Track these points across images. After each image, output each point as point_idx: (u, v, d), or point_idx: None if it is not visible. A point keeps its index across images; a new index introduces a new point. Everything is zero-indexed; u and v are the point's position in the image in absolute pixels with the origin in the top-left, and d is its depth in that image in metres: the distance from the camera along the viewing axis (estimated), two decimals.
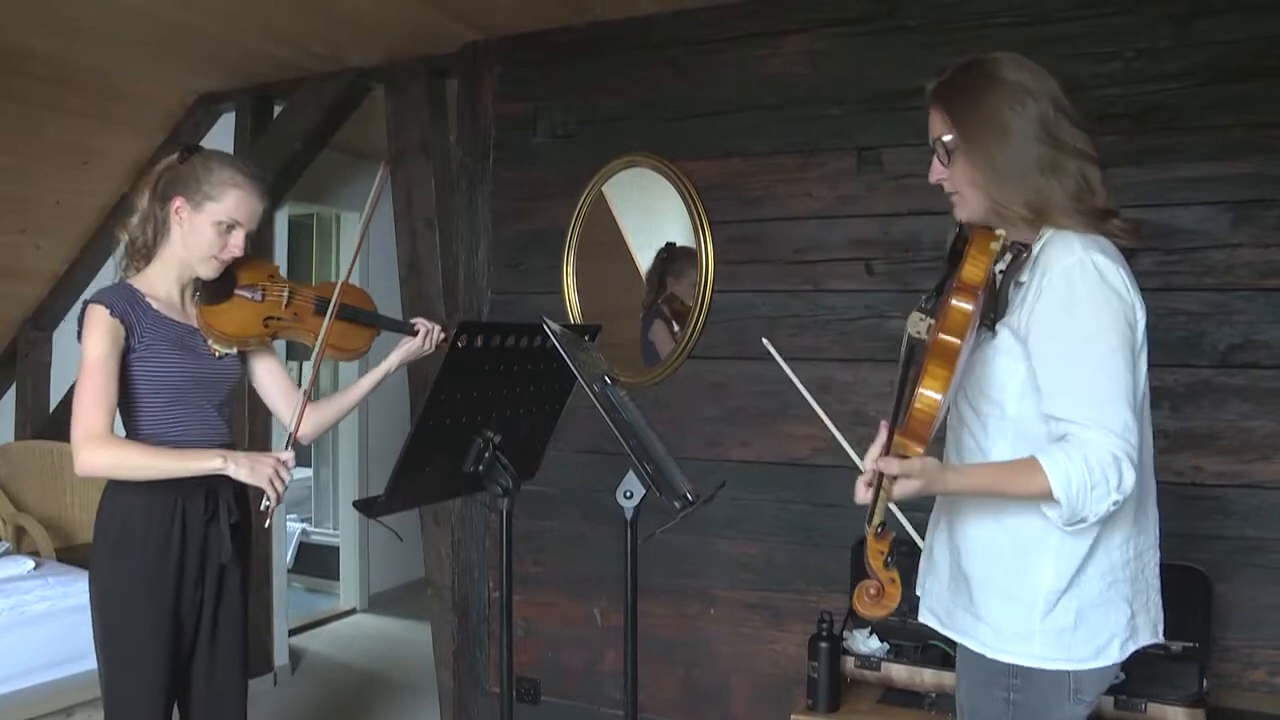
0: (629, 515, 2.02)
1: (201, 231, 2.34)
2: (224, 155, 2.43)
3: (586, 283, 3.60)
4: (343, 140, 4.58)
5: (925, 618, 1.88)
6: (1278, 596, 2.69)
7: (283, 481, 2.23)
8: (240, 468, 2.22)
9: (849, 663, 2.78)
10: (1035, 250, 1.67)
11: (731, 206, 3.35)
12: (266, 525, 2.25)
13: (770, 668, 3.31)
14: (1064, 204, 1.64)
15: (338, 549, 6.08)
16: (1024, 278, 1.68)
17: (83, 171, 4.38)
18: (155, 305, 2.36)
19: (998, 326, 1.70)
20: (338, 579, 6.04)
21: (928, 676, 2.69)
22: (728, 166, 3.36)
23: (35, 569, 3.42)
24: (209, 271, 2.40)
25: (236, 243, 2.37)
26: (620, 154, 3.50)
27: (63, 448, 4.65)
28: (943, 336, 1.53)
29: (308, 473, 6.77)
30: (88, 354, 2.24)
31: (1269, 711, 2.57)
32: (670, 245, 3.46)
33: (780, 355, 3.27)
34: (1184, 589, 2.43)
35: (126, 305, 2.31)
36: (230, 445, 2.50)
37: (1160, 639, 1.75)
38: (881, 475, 1.52)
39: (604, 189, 3.54)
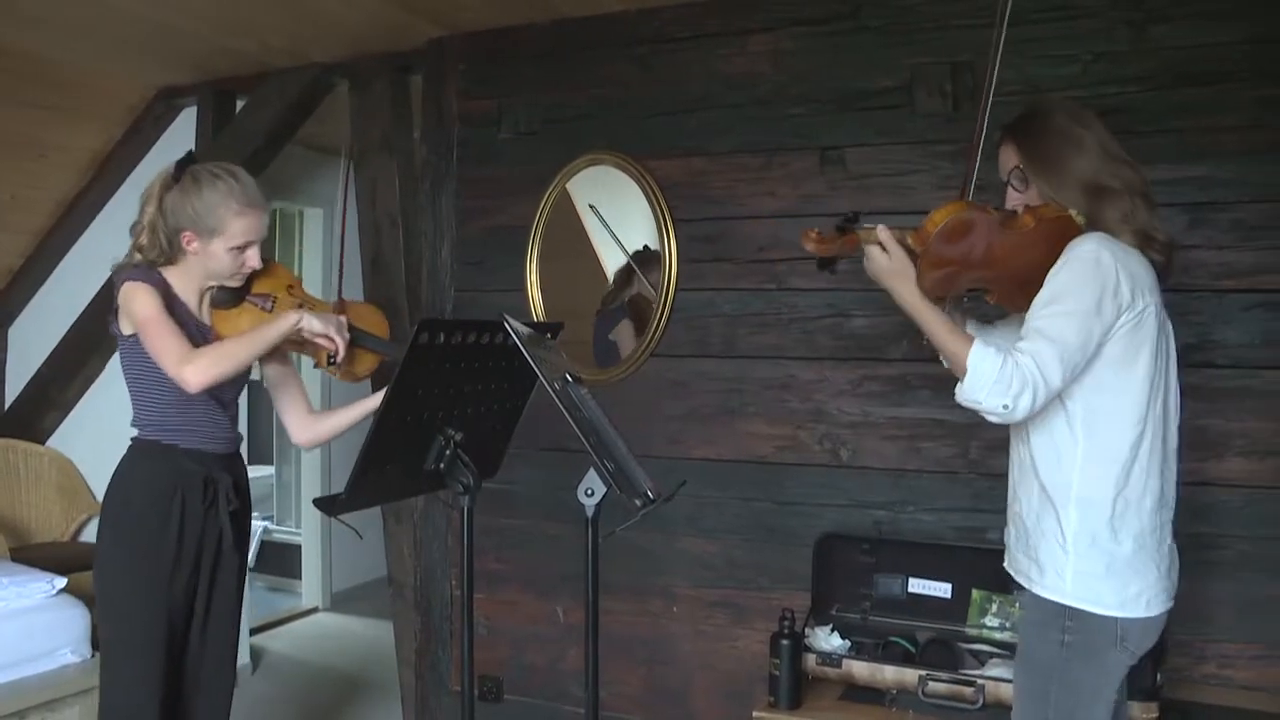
0: (590, 513, 2.03)
1: (217, 257, 2.41)
2: (216, 178, 2.40)
3: (550, 281, 3.59)
4: (306, 136, 4.54)
5: (1007, 565, 2.13)
6: (1227, 592, 2.75)
7: (344, 336, 2.43)
8: (313, 319, 2.38)
9: (810, 660, 2.79)
10: (1066, 248, 1.93)
11: (695, 205, 3.35)
12: (336, 373, 2.47)
13: (732, 665, 3.32)
14: (1114, 224, 1.94)
15: (299, 547, 6.04)
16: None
17: (39, 165, 4.32)
18: (179, 296, 2.44)
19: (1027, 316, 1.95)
20: (299, 578, 6.01)
21: (889, 674, 2.71)
22: (691, 165, 3.37)
23: None
24: (232, 283, 2.49)
25: (253, 257, 2.45)
26: (584, 152, 3.50)
27: (18, 445, 4.60)
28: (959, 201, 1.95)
29: (269, 470, 6.71)
30: (143, 313, 2.30)
31: (1220, 704, 2.63)
32: (646, 247, 3.45)
33: (744, 353, 3.31)
34: None
35: (162, 287, 2.38)
36: (238, 448, 2.61)
37: (1172, 601, 1.98)
38: (845, 229, 1.92)
39: (568, 187, 3.54)
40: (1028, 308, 1.96)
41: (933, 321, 1.91)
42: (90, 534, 4.56)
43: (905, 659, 2.75)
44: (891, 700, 2.72)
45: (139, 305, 2.30)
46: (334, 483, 5.83)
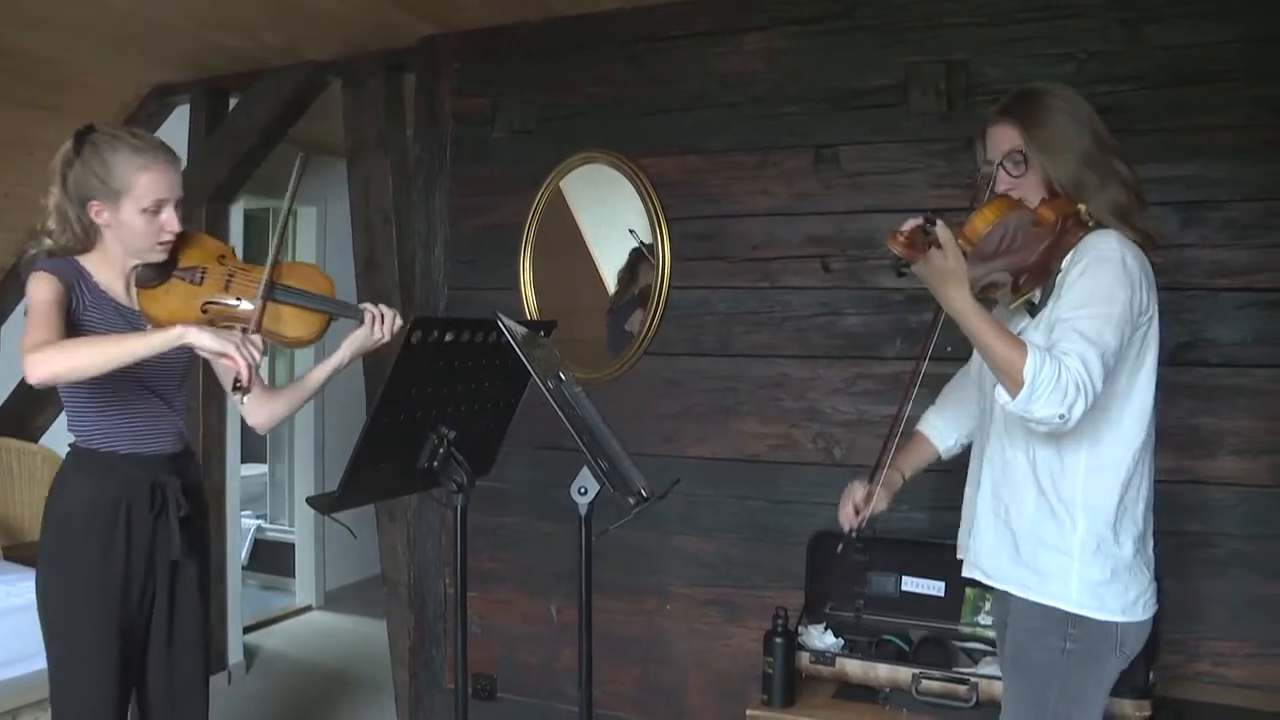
0: (584, 511, 2.02)
1: (130, 224, 2.22)
2: (117, 137, 2.22)
3: (543, 279, 3.59)
4: (299, 134, 4.53)
5: (969, 572, 2.09)
6: (1220, 590, 2.75)
7: (254, 360, 2.01)
8: (202, 333, 1.99)
9: (804, 658, 2.80)
10: (1078, 243, 1.88)
11: (689, 203, 3.35)
12: (242, 401, 2.12)
13: (726, 663, 3.33)
14: (1108, 217, 1.89)
15: (293, 546, 6.03)
16: (1064, 264, 1.89)
17: (32, 163, 4.29)
18: (100, 284, 2.27)
19: (1038, 315, 1.92)
20: (293, 576, 5.99)
21: (882, 672, 2.71)
22: (685, 163, 3.36)
23: None
24: (155, 257, 2.28)
25: (170, 219, 2.24)
26: (578, 150, 3.50)
27: (10, 444, 4.58)
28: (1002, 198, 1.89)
29: (263, 469, 6.70)
30: (34, 298, 2.11)
31: (1213, 701, 2.63)
32: (643, 244, 3.45)
33: (738, 351, 3.31)
34: None
35: (73, 277, 2.21)
36: (185, 441, 2.44)
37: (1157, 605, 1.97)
38: (929, 231, 1.74)
39: (562, 185, 3.53)
40: (1015, 302, 1.94)
41: (986, 324, 1.76)
42: None
43: (899, 657, 2.76)
44: (885, 698, 2.72)
45: (32, 291, 2.13)
46: (327, 481, 5.83)
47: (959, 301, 1.76)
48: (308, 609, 5.87)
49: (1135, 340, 1.86)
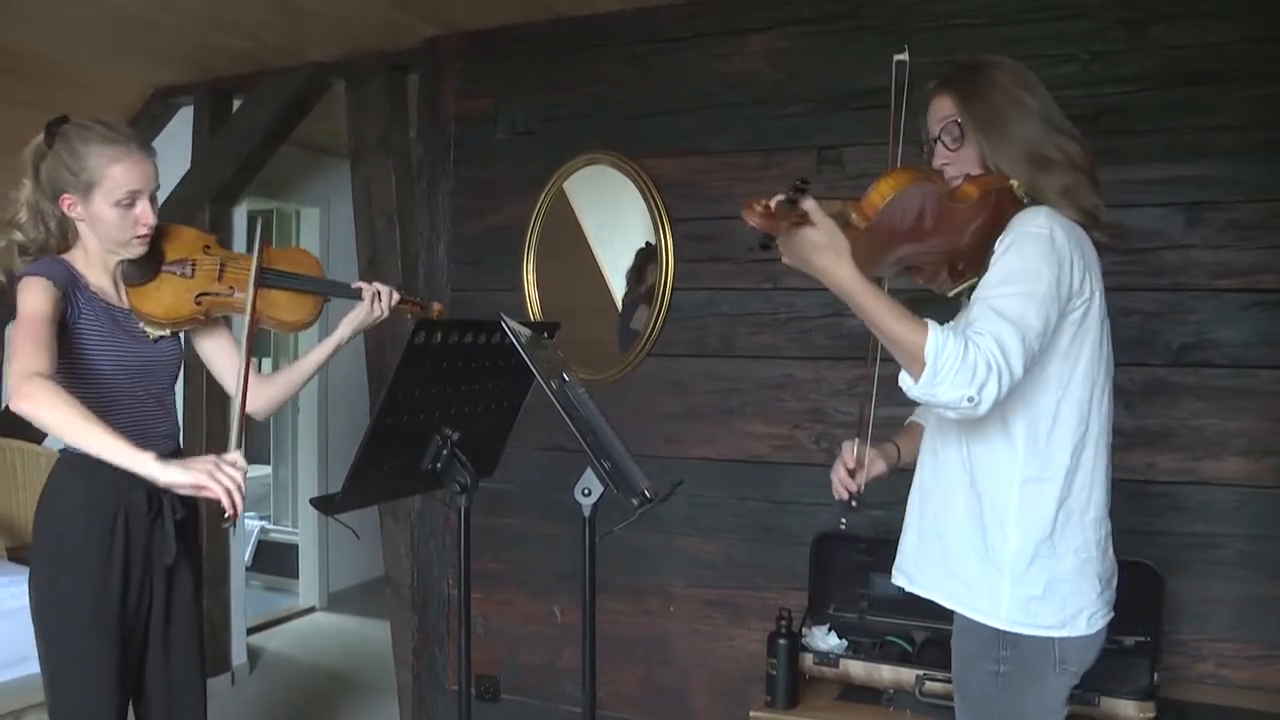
0: (587, 513, 2.02)
1: (103, 218, 2.16)
2: (87, 129, 2.16)
3: (546, 280, 3.59)
4: (302, 135, 4.54)
5: (896, 579, 1.96)
6: (1226, 591, 2.74)
7: (235, 484, 1.90)
8: (177, 472, 1.89)
9: (807, 660, 2.79)
10: (1011, 221, 1.75)
11: (692, 204, 3.35)
12: (230, 530, 2.03)
13: (729, 665, 3.32)
14: (1054, 197, 1.76)
15: (297, 547, 6.03)
16: (996, 246, 1.75)
17: None
18: (91, 286, 2.23)
19: (973, 297, 1.76)
20: (297, 577, 6.00)
21: (885, 673, 2.71)
22: (688, 164, 3.36)
23: None
24: (134, 251, 2.23)
25: (145, 212, 2.18)
26: (581, 151, 3.50)
27: (14, 445, 4.58)
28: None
29: (266, 470, 6.71)
30: (25, 308, 2.03)
31: (1217, 703, 2.63)
32: (648, 244, 3.45)
33: (742, 352, 3.30)
34: (1136, 584, 2.45)
35: (68, 282, 2.16)
36: (178, 443, 2.42)
37: (1112, 613, 1.82)
38: (795, 201, 1.55)
39: (565, 186, 3.53)
40: (955, 289, 1.82)
41: (876, 302, 1.60)
42: None
43: (902, 658, 2.75)
44: (888, 700, 2.72)
45: (27, 299, 2.05)
46: (331, 482, 5.83)
47: (839, 276, 1.60)
48: (311, 610, 5.88)
49: (1068, 325, 1.71)
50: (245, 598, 4.84)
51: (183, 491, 1.96)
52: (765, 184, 3.25)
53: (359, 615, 5.71)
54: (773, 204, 1.52)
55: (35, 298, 2.06)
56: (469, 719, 2.14)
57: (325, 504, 2.02)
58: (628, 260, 3.50)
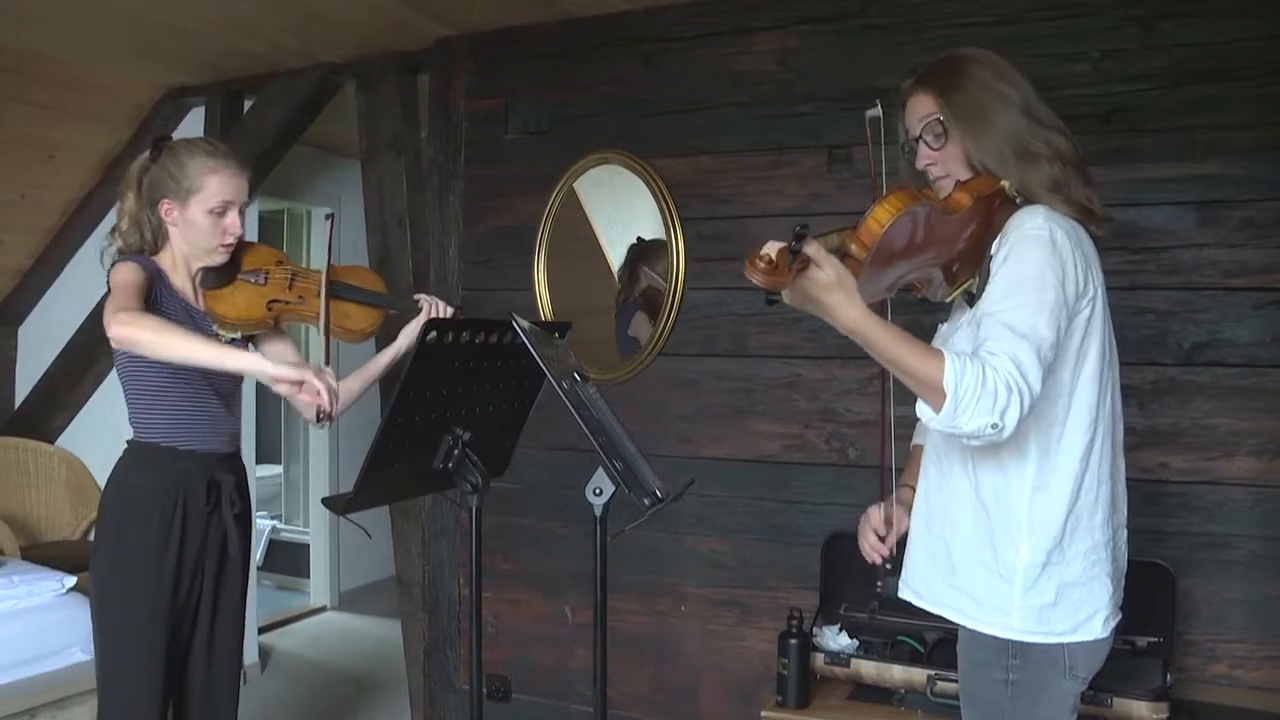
0: (598, 512, 2.02)
1: (196, 224, 2.36)
2: (192, 143, 2.42)
3: (557, 280, 3.59)
4: (314, 136, 4.55)
5: (904, 593, 1.92)
6: (1239, 591, 2.73)
7: (331, 386, 2.10)
8: (286, 369, 2.10)
9: (818, 659, 2.79)
10: (1007, 224, 1.71)
11: (702, 204, 3.35)
12: (325, 428, 2.26)
13: (740, 664, 3.32)
14: (1044, 193, 1.71)
15: (308, 546, 6.05)
16: (994, 250, 1.71)
17: (49, 165, 4.33)
18: (173, 284, 2.42)
19: (975, 305, 1.74)
20: (308, 576, 6.01)
21: (896, 673, 2.71)
22: (698, 164, 3.36)
23: None
24: (217, 259, 2.43)
25: (233, 223, 2.39)
26: (591, 151, 3.50)
27: (28, 444, 4.61)
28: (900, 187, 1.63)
29: (278, 469, 6.73)
30: (118, 280, 2.24)
31: (1230, 704, 2.61)
32: (639, 239, 3.46)
33: (752, 352, 3.30)
34: (1149, 585, 2.45)
35: (154, 272, 2.36)
36: (239, 442, 2.56)
37: (1120, 616, 1.79)
38: (796, 250, 1.48)
39: (575, 186, 3.53)
40: (951, 294, 1.78)
41: (887, 335, 1.56)
42: None
43: (913, 658, 2.75)
44: (900, 700, 2.72)
45: (116, 276, 2.27)
46: (342, 481, 5.85)
47: (848, 315, 1.55)
48: (322, 609, 5.89)
49: (1076, 328, 1.67)
50: (256, 597, 4.84)
51: (281, 388, 2.13)
52: (776, 184, 3.25)
53: (370, 615, 5.73)
54: (774, 254, 1.46)
55: (127, 272, 2.28)
56: (480, 718, 2.14)
57: (336, 503, 2.03)
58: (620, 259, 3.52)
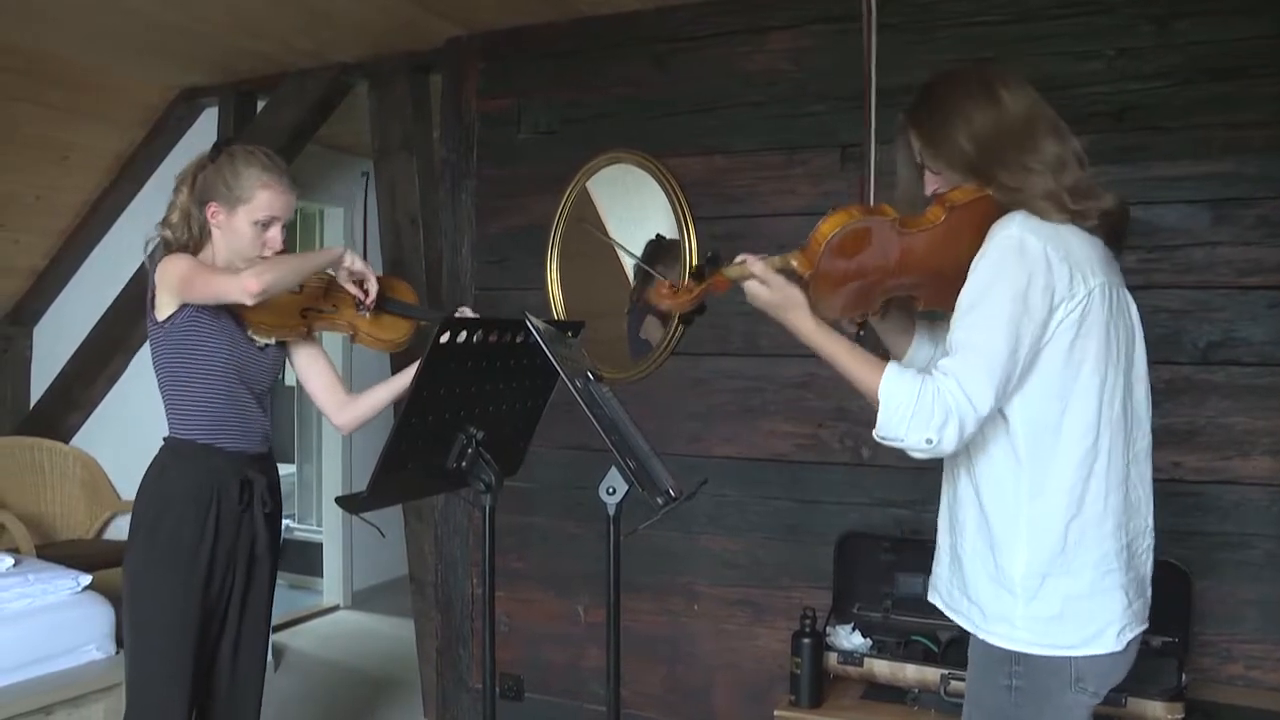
0: (612, 511, 2.02)
1: (240, 231, 2.40)
2: (251, 154, 2.44)
3: (570, 279, 3.59)
4: (326, 136, 4.56)
5: (932, 598, 1.92)
6: (1255, 591, 2.72)
7: (375, 284, 2.49)
8: (356, 257, 2.47)
9: (832, 659, 2.79)
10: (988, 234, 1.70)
11: (716, 203, 3.35)
12: (365, 315, 2.53)
13: (753, 664, 3.32)
14: (1026, 198, 1.68)
15: (321, 545, 6.06)
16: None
17: (62, 166, 4.36)
18: None
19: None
20: (321, 575, 6.03)
21: (910, 672, 2.70)
22: (712, 163, 3.36)
23: (14, 566, 3.39)
24: None
25: (275, 237, 2.43)
26: (604, 150, 3.50)
27: (43, 444, 4.64)
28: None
29: (291, 469, 6.74)
30: (182, 270, 2.32)
31: (1246, 705, 2.60)
32: (659, 237, 3.45)
33: (765, 351, 3.30)
34: (1164, 585, 2.41)
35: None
36: (270, 447, 2.58)
37: (1146, 624, 1.76)
38: (705, 273, 1.66)
39: (588, 185, 3.53)
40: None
41: (834, 350, 1.68)
42: (114, 532, 4.60)
43: (927, 658, 2.74)
44: (913, 699, 2.71)
45: (177, 267, 2.32)
46: (355, 481, 5.86)
47: (800, 326, 1.70)
48: (335, 608, 5.90)
49: (1061, 332, 1.63)
50: None
51: (341, 272, 2.48)
52: (789, 183, 3.25)
53: (383, 614, 5.73)
54: (673, 284, 1.66)
55: (184, 261, 2.35)
56: (493, 718, 2.14)
57: (350, 502, 2.03)
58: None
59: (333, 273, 2.51)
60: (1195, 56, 2.76)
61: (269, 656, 4.67)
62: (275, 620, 5.09)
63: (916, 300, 1.81)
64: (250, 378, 2.46)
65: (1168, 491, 2.76)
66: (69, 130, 4.25)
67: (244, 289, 2.21)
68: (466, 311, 2.54)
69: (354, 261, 2.46)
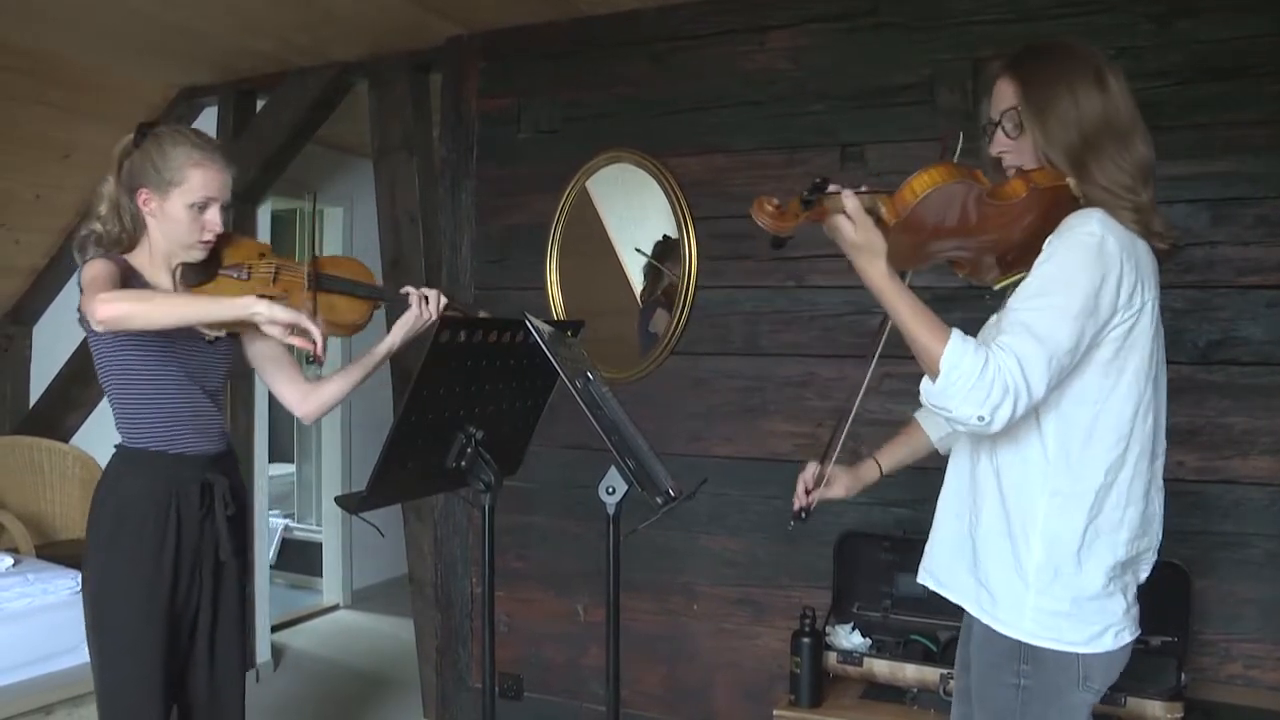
0: (611, 511, 2.02)
1: (175, 217, 2.25)
2: (178, 133, 2.28)
3: (570, 278, 3.60)
4: (326, 135, 4.56)
5: (922, 578, 1.92)
6: (1254, 591, 2.72)
7: (322, 332, 2.03)
8: (274, 307, 2.00)
9: (831, 658, 2.79)
10: (1062, 223, 1.67)
11: (715, 202, 3.35)
12: (318, 370, 2.27)
13: (753, 663, 3.32)
14: (1106, 197, 1.66)
15: (320, 545, 6.06)
16: (1046, 244, 1.68)
17: (62, 165, 4.35)
18: (148, 282, 2.30)
19: (1009, 304, 1.71)
20: (320, 575, 6.03)
21: (909, 672, 2.70)
22: (711, 162, 3.36)
23: (14, 566, 3.40)
24: (195, 255, 2.31)
25: (214, 219, 2.27)
26: (604, 149, 3.50)
27: (42, 443, 4.63)
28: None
29: (290, 469, 6.74)
30: (94, 274, 2.12)
31: (1245, 704, 2.60)
32: (666, 237, 3.45)
33: (765, 351, 3.30)
34: (1163, 584, 2.41)
35: (127, 271, 2.24)
36: (229, 442, 2.48)
37: (1139, 630, 1.77)
38: (810, 200, 1.55)
39: (588, 184, 3.53)
40: (1002, 282, 1.75)
41: (904, 305, 1.59)
42: None
43: (926, 657, 2.75)
44: (913, 699, 2.72)
45: (90, 270, 2.14)
46: (355, 480, 5.85)
47: (873, 274, 1.60)
48: (335, 608, 5.90)
49: (1111, 339, 1.63)
50: (269, 595, 4.86)
51: (274, 330, 2.02)
52: (789, 182, 3.24)
53: (382, 613, 5.74)
54: (784, 205, 1.53)
55: (99, 267, 2.16)
56: (492, 717, 2.15)
57: (349, 502, 2.03)
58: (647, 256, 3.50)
59: (269, 331, 2.07)
60: (1196, 55, 2.76)
61: (266, 656, 4.72)
62: (275, 620, 5.11)
63: (958, 267, 1.81)
64: (199, 375, 2.34)
65: (1167, 490, 2.74)
66: (69, 129, 4.25)
67: (93, 313, 2.01)
68: (416, 293, 2.43)
69: (274, 313, 2.00)
